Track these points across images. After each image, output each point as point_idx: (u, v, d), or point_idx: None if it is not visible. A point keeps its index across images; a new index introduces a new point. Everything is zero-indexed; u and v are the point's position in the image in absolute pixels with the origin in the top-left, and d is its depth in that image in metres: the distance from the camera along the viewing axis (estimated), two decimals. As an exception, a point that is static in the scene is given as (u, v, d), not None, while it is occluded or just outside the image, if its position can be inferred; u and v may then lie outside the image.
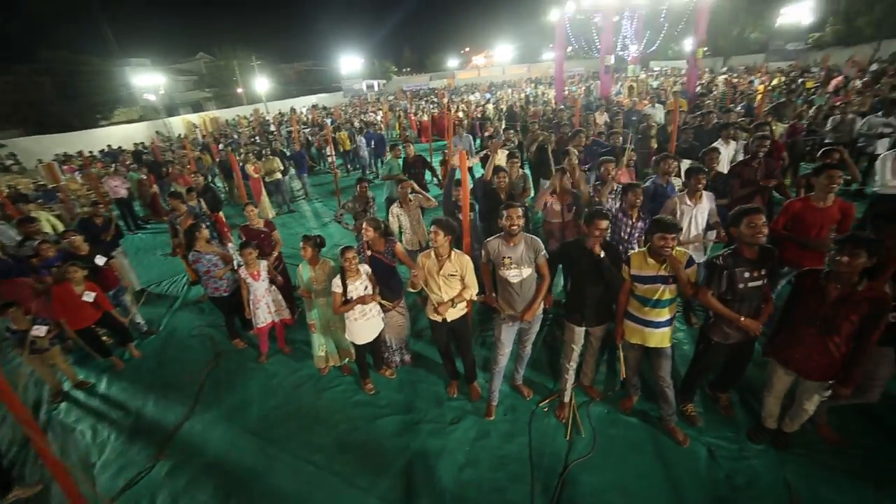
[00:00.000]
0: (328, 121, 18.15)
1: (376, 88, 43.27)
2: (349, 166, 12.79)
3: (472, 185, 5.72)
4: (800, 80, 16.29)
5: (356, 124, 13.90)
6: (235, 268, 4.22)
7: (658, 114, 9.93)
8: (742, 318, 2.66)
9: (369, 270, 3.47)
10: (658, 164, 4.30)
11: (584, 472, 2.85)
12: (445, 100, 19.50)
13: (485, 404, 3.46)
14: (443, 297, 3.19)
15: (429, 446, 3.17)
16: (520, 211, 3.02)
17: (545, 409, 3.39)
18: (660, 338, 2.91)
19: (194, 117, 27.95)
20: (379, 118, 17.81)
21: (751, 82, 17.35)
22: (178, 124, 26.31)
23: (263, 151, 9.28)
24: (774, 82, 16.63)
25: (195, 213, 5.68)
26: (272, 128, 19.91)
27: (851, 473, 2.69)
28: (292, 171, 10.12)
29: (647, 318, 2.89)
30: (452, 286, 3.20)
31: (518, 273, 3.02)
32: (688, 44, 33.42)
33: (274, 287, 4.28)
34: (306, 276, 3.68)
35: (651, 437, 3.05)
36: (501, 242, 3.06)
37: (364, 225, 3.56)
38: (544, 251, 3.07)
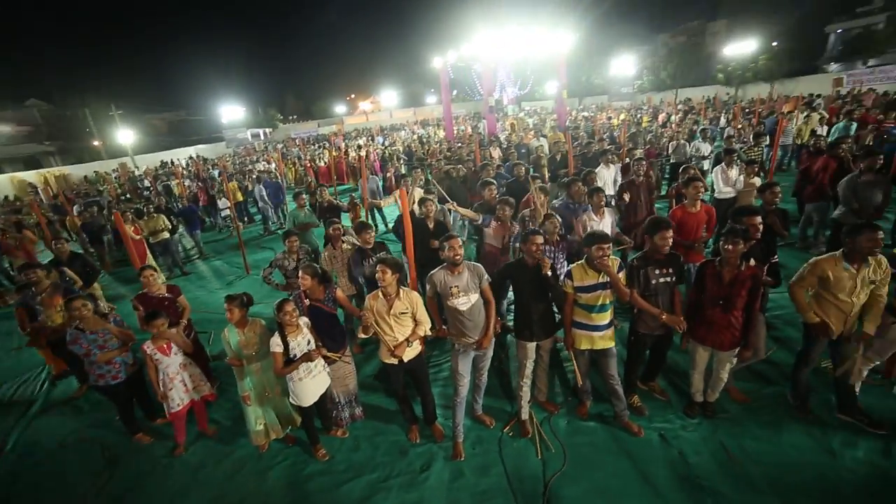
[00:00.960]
0: (215, 172, 16.75)
1: (262, 137, 41.41)
2: (245, 219, 11.86)
3: (392, 224, 5.79)
4: (637, 116, 20.08)
5: (254, 174, 13.02)
6: (128, 346, 3.55)
7: (544, 146, 11.22)
8: (664, 315, 3.04)
9: (309, 323, 3.20)
10: (569, 186, 4.82)
11: (564, 486, 2.89)
12: (342, 144, 19.44)
13: (451, 443, 3.34)
14: (397, 338, 3.08)
15: (405, 502, 2.92)
16: (460, 241, 3.11)
17: (511, 434, 3.39)
18: (606, 339, 3.17)
19: (30, 175, 23.37)
20: (272, 167, 16.98)
21: (609, 118, 20.72)
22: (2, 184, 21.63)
23: (145, 209, 8.11)
24: (622, 117, 20.14)
25: (66, 286, 4.66)
26: (146, 182, 17.66)
27: (761, 421, 3.23)
28: (182, 228, 8.99)
29: (593, 324, 3.13)
30: (405, 325, 3.11)
31: (467, 300, 3.07)
32: (550, 86, 39.18)
33: (190, 360, 3.67)
34: (234, 341, 3.23)
35: (612, 436, 3.25)
36: (446, 273, 3.10)
37: (300, 273, 3.29)
38: (487, 276, 3.18)
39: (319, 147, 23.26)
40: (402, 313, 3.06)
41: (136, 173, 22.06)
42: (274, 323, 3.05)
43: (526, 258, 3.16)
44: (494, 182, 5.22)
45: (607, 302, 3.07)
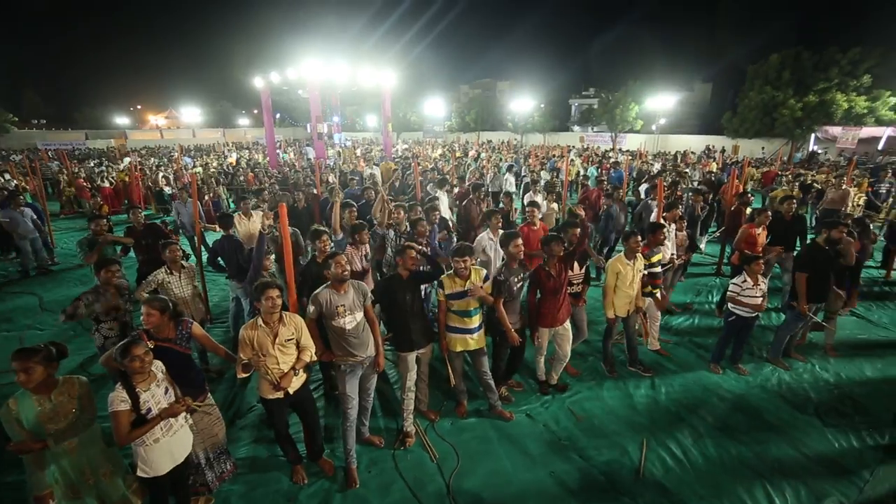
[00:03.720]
0: None
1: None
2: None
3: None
4: (455, 151, 23.08)
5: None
6: None
7: (376, 173, 11.74)
8: (512, 331, 3.61)
9: (163, 368, 2.59)
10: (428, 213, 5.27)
11: (463, 480, 3.10)
12: (131, 162, 15.77)
13: (343, 473, 3.17)
14: (282, 369, 2.81)
15: (307, 550, 2.61)
16: (345, 258, 3.10)
17: (401, 448, 3.43)
18: (477, 340, 3.59)
19: None
20: (12, 183, 12.55)
21: (434, 150, 23.09)
22: None
23: None
24: (439, 151, 22.70)
25: None
26: None
27: (588, 386, 4.19)
28: None
29: (466, 327, 3.52)
30: (289, 353, 2.88)
31: (353, 319, 3.07)
32: (370, 119, 41.03)
33: None
34: (30, 414, 2.28)
35: (490, 425, 3.66)
36: (332, 292, 3.03)
37: (145, 308, 2.65)
38: (370, 293, 3.24)
39: (100, 162, 18.35)
40: (288, 340, 2.82)
41: None
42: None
43: (400, 270, 3.36)
44: (354, 204, 5.29)
45: (474, 307, 3.51)
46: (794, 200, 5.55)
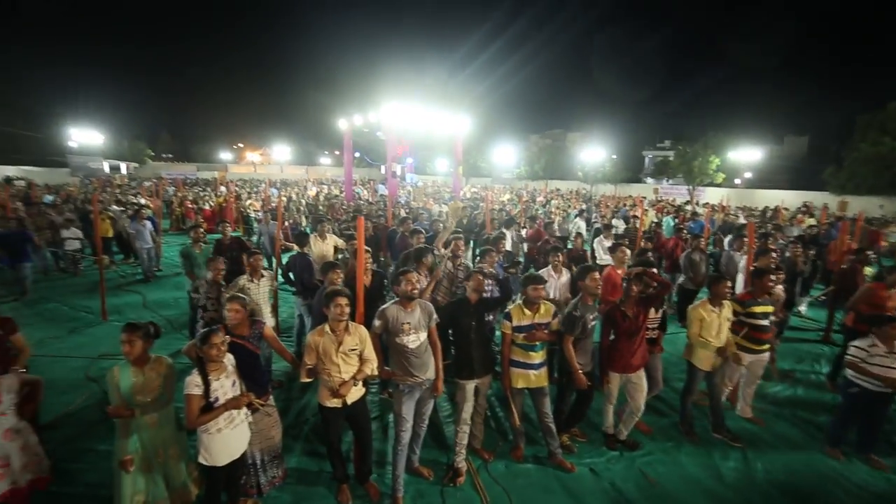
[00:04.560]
0: (48, 198, 13.68)
1: (123, 171, 35.52)
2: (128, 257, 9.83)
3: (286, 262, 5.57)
4: (524, 197, 23.24)
5: (129, 208, 10.97)
6: None
7: (444, 210, 12.10)
8: (579, 372, 3.36)
9: (234, 361, 2.72)
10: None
11: (515, 530, 2.79)
12: (230, 190, 17.81)
13: (388, 501, 3.01)
14: (343, 378, 2.81)
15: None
16: (416, 276, 3.12)
17: (451, 485, 3.21)
18: (540, 377, 3.35)
19: None
20: (142, 201, 14.67)
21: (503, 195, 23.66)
22: None
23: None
24: (507, 196, 22.96)
25: None
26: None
27: (664, 447, 3.71)
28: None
29: (530, 362, 3.31)
30: (352, 363, 2.88)
31: (416, 338, 3.02)
32: (440, 163, 42.97)
33: (27, 425, 2.73)
34: (127, 383, 2.53)
35: (550, 475, 3.32)
36: (399, 308, 3.03)
37: (229, 304, 2.84)
38: (436, 315, 3.19)
39: (203, 189, 21.05)
40: (352, 350, 2.84)
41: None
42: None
43: (469, 294, 3.29)
44: (422, 230, 5.44)
45: (543, 343, 3.32)
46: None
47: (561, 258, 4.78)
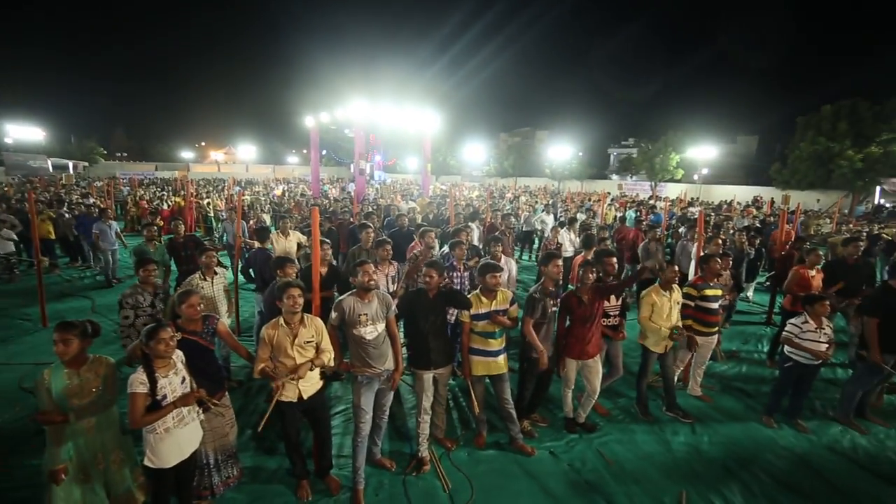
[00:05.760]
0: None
1: (71, 170, 33.32)
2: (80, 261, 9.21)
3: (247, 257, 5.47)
4: (491, 192, 23.46)
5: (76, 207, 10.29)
6: None
7: (416, 207, 12.08)
8: (544, 354, 3.44)
9: (184, 358, 2.62)
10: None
11: (475, 514, 2.84)
12: (192, 190, 17.04)
13: (349, 493, 2.99)
14: (299, 374, 2.76)
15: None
16: (372, 267, 3.10)
17: (414, 474, 3.22)
18: (500, 364, 3.41)
19: None
20: (90, 201, 13.86)
21: (471, 192, 23.72)
22: None
23: None
24: (476, 193, 23.13)
25: None
26: None
27: (620, 428, 3.83)
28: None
29: (489, 349, 3.37)
30: (308, 355, 2.84)
31: (374, 329, 3.01)
32: (410, 162, 42.80)
33: None
34: (59, 386, 2.37)
35: (511, 459, 3.38)
36: (356, 300, 3.01)
37: (187, 299, 2.74)
38: (394, 306, 3.19)
39: (162, 189, 20.11)
40: (308, 342, 2.80)
41: None
42: None
43: (425, 287, 3.30)
44: (371, 225, 5.44)
45: (499, 329, 3.37)
46: (860, 243, 5.11)
47: (501, 248, 4.85)
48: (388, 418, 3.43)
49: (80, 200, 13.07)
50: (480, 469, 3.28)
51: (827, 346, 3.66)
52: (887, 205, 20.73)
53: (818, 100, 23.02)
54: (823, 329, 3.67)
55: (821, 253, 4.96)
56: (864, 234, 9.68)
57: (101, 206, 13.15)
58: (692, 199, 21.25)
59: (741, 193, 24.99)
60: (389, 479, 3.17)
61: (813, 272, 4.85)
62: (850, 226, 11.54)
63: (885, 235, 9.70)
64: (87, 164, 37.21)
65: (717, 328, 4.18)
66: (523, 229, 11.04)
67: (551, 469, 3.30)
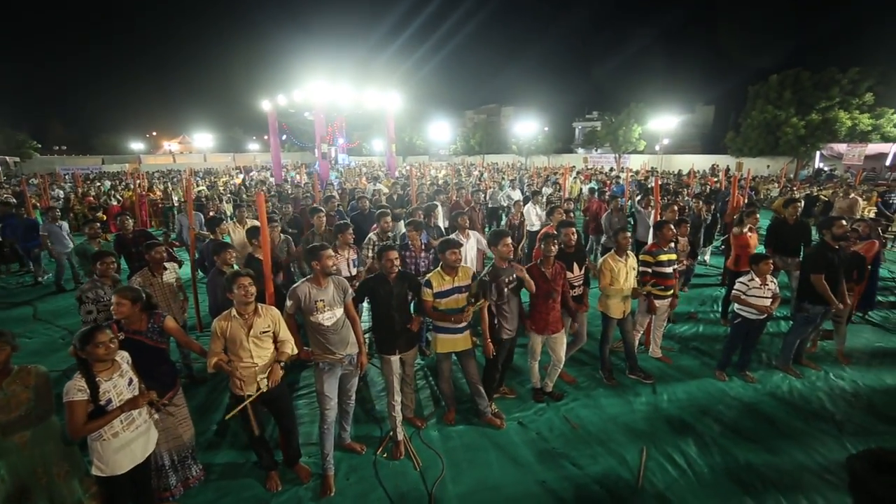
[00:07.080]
0: None
1: (-1, 166, 30.50)
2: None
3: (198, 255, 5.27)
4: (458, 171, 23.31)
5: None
6: None
7: (382, 188, 11.85)
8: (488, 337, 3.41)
9: (129, 359, 2.48)
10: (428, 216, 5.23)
11: (447, 489, 2.89)
12: (143, 182, 16.02)
13: (320, 480, 2.97)
14: (256, 363, 2.67)
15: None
16: (331, 252, 3.01)
17: (385, 455, 3.23)
18: (465, 340, 3.42)
19: None
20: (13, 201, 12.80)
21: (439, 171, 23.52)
22: None
23: None
24: (443, 173, 22.92)
25: None
26: None
27: (585, 394, 3.97)
28: None
29: (454, 326, 3.36)
30: (265, 346, 2.74)
31: (332, 315, 2.95)
32: (376, 144, 41.84)
33: None
34: None
35: (481, 433, 3.44)
36: (311, 286, 2.93)
37: (115, 297, 2.57)
38: (351, 290, 3.12)
39: (113, 184, 18.84)
40: (264, 332, 2.70)
41: None
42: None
43: (385, 272, 3.23)
44: (322, 209, 5.31)
45: (463, 304, 3.36)
46: (799, 204, 5.39)
47: (466, 220, 4.88)
48: (357, 402, 3.42)
49: (7, 198, 12.06)
50: (451, 445, 3.33)
51: (771, 300, 3.88)
52: (826, 168, 22.03)
53: (767, 69, 23.92)
54: (767, 285, 3.88)
55: (758, 216, 5.24)
56: (803, 196, 10.27)
57: (37, 204, 12.24)
58: (652, 167, 21.86)
59: (699, 162, 25.82)
60: (360, 461, 3.17)
61: (747, 231, 5.12)
62: (795, 189, 12.19)
63: (822, 197, 10.33)
64: (17, 159, 34.25)
65: (672, 291, 4.34)
66: (489, 206, 11.03)
67: (520, 439, 3.38)
